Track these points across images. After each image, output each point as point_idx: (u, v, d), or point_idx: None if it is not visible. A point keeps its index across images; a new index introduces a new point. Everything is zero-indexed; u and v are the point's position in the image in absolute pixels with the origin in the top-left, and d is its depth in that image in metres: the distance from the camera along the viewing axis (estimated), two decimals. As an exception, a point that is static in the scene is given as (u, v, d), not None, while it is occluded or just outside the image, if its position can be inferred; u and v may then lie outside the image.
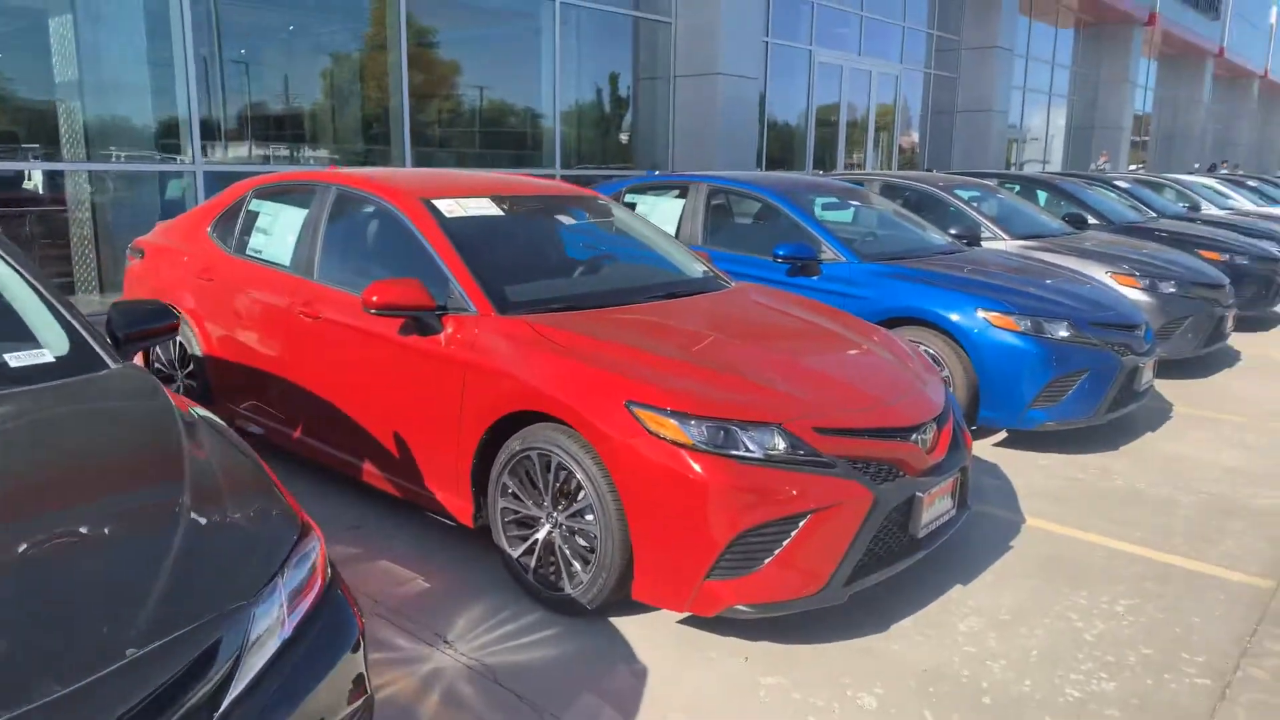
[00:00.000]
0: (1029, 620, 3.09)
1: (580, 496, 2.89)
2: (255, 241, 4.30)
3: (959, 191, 7.63)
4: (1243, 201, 13.94)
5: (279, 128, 8.79)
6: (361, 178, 4.07)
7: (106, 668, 1.36)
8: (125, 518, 1.74)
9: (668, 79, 11.61)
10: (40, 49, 7.02)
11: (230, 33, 8.06)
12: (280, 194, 4.38)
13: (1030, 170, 20.02)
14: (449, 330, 3.28)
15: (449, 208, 3.70)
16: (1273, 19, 35.72)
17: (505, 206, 4.00)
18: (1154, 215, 10.26)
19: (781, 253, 5.25)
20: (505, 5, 10.68)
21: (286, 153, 8.77)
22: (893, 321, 4.95)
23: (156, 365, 4.78)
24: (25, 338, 2.32)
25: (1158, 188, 12.68)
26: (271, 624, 1.64)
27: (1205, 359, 7.19)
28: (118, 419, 2.16)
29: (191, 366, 4.51)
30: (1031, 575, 3.44)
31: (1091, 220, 8.75)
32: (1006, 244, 6.91)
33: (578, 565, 2.93)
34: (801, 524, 2.70)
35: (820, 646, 2.88)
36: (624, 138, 12.01)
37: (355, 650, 1.80)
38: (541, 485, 3.00)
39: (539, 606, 3.05)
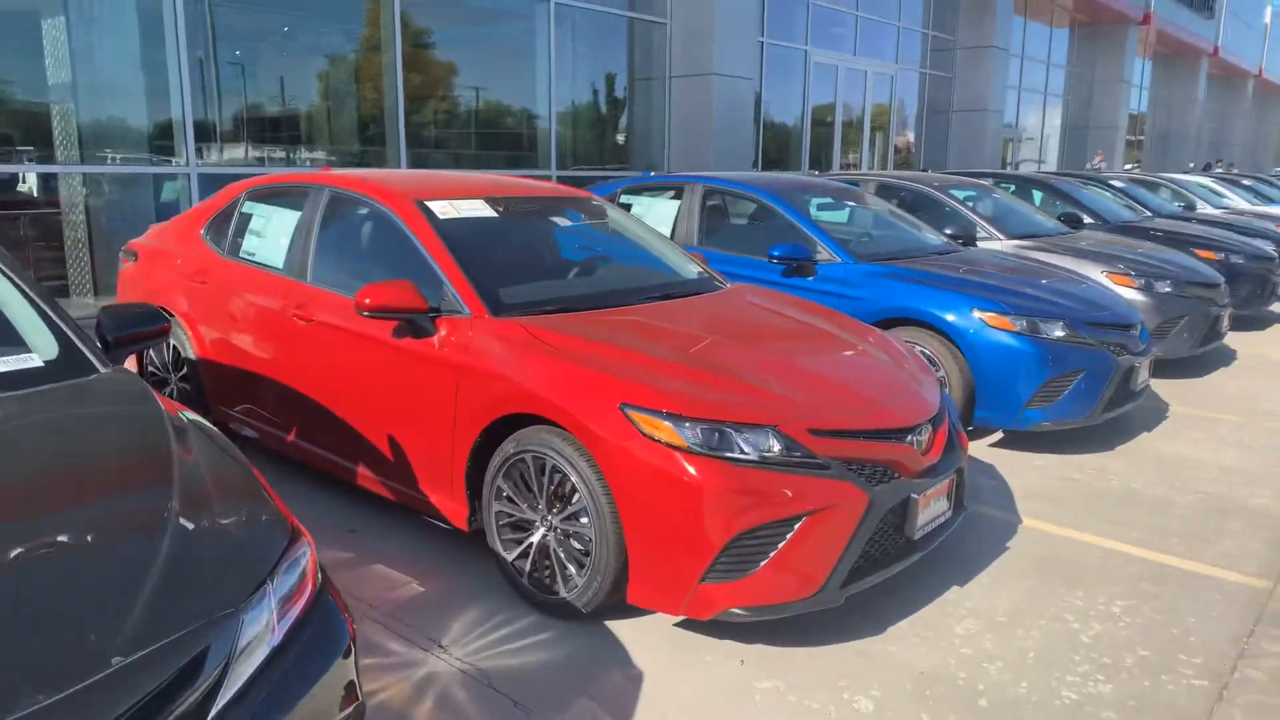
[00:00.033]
0: (1025, 622, 3.08)
1: (575, 500, 2.88)
2: (248, 244, 4.28)
3: (954, 191, 7.63)
4: (1238, 200, 13.96)
5: (274, 129, 8.77)
6: (354, 179, 4.05)
7: (92, 676, 1.35)
8: (113, 523, 1.72)
9: (663, 80, 11.61)
10: (34, 51, 6.99)
11: (224, 34, 8.04)
12: (273, 196, 4.36)
13: (1026, 170, 20.04)
14: (442, 333, 3.26)
15: (442, 209, 3.69)
16: (1267, 18, 35.83)
17: (499, 208, 3.99)
18: (1149, 214, 10.27)
19: (777, 253, 5.24)
20: (500, 6, 10.66)
21: (281, 154, 8.75)
22: (888, 322, 4.94)
23: (150, 369, 4.76)
24: (13, 342, 2.30)
25: (1153, 187, 12.70)
26: (261, 630, 1.62)
27: (1201, 358, 7.19)
28: (106, 424, 2.14)
29: (185, 370, 4.49)
30: (1028, 576, 3.43)
31: (1087, 220, 8.75)
32: (1002, 244, 6.91)
33: (572, 569, 2.92)
34: (797, 526, 2.69)
35: (816, 649, 2.87)
36: (620, 139, 12.00)
37: (346, 656, 1.78)
38: (536, 488, 2.99)
39: (534, 610, 3.03)
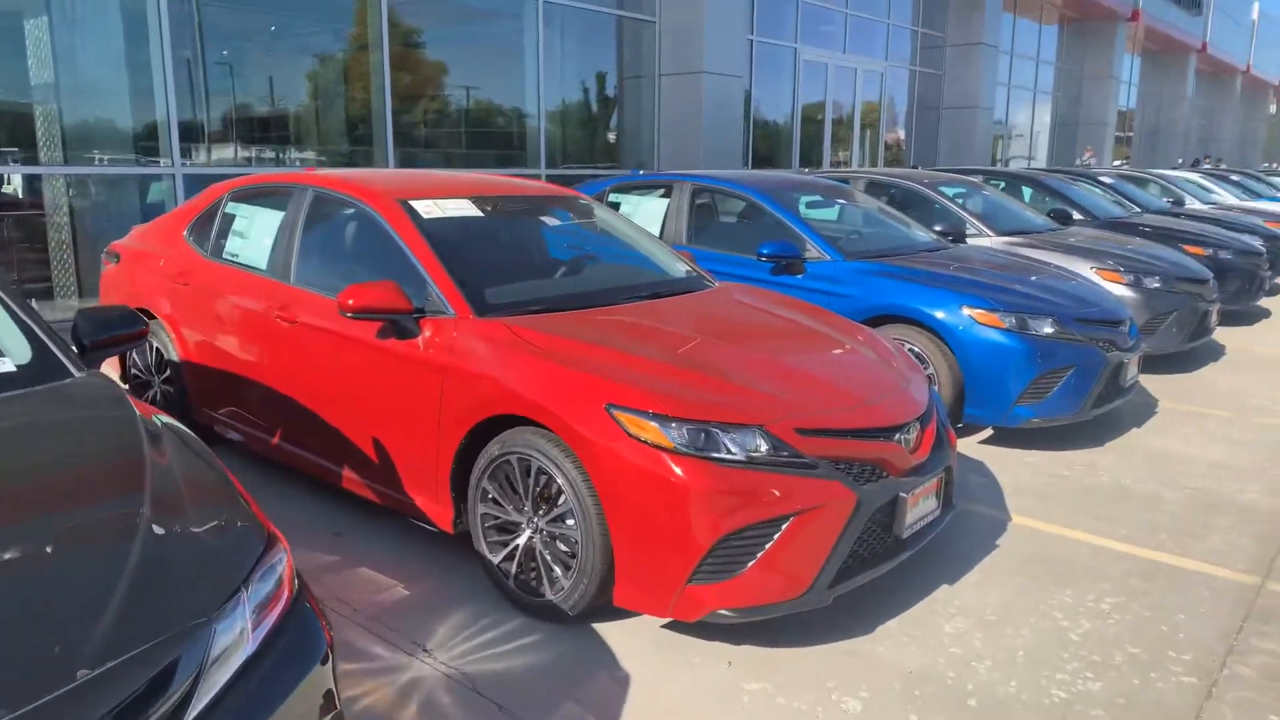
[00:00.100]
0: (1015, 620, 3.07)
1: (561, 501, 2.85)
2: (232, 245, 4.24)
3: (944, 188, 7.62)
4: (1226, 196, 14.01)
5: (260, 129, 8.71)
6: (338, 179, 4.01)
7: (56, 690, 1.31)
8: (82, 531, 1.68)
9: (652, 78, 11.58)
10: (16, 51, 6.93)
11: (210, 34, 7.98)
12: (256, 196, 4.32)
13: (1015, 166, 20.07)
14: (427, 333, 3.23)
15: (426, 209, 3.65)
16: (1254, 14, 35.96)
17: (484, 207, 3.96)
18: (1138, 210, 10.28)
19: (766, 251, 5.22)
20: (488, 5, 10.62)
21: (267, 155, 8.69)
22: (878, 319, 4.93)
23: (134, 371, 4.72)
24: (-14, 346, 2.26)
25: (1142, 183, 12.72)
26: (235, 639, 1.58)
27: (1190, 354, 7.20)
28: (79, 429, 2.11)
29: (169, 372, 4.45)
30: (1017, 574, 3.42)
31: (1076, 216, 8.75)
32: (992, 240, 6.90)
33: (559, 571, 2.89)
34: (784, 527, 2.67)
35: (804, 650, 2.85)
36: (610, 137, 11.97)
37: (324, 664, 1.75)
38: (522, 490, 2.96)
39: (520, 613, 3.00)
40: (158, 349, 4.50)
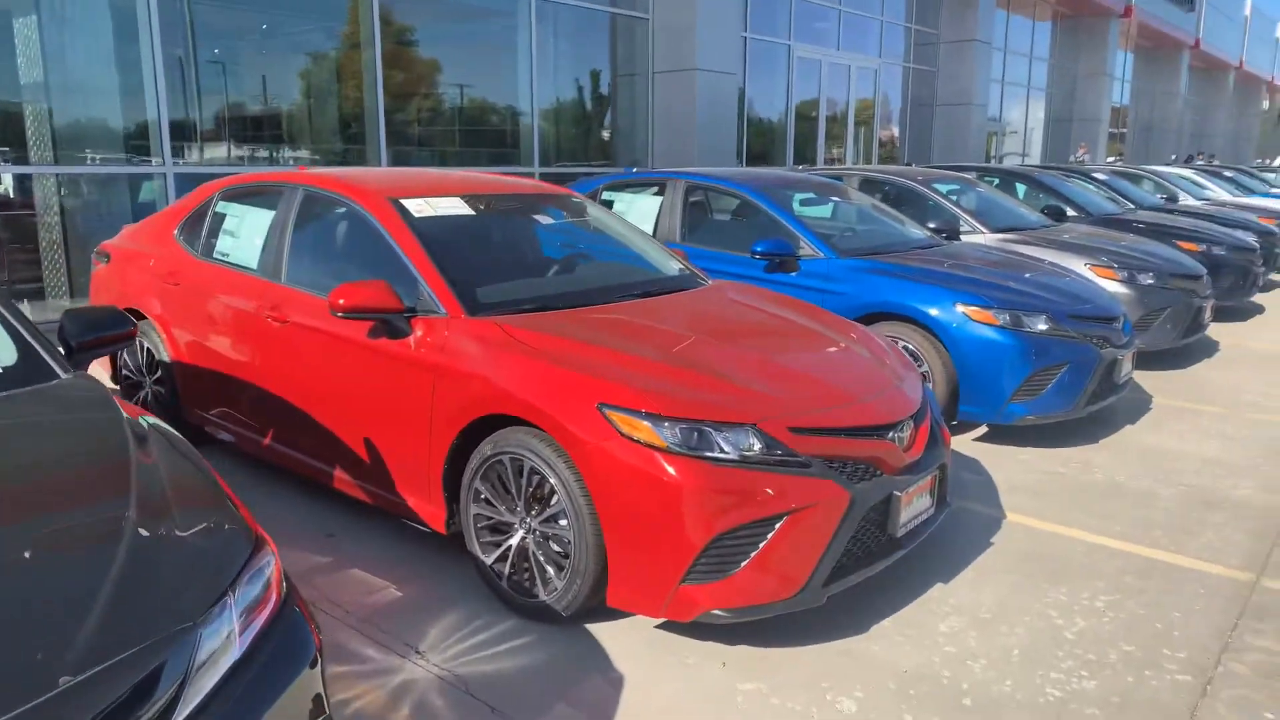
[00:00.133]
0: (1010, 618, 3.06)
1: (553, 501, 2.83)
2: (222, 244, 4.22)
3: (938, 185, 7.61)
4: (1219, 192, 14.04)
5: (252, 128, 8.67)
6: (329, 178, 3.99)
7: (39, 697, 1.29)
8: (66, 534, 1.66)
9: (646, 75, 11.55)
10: (6, 50, 6.88)
11: (201, 33, 7.94)
12: (247, 195, 4.30)
13: (1009, 163, 20.09)
14: (418, 333, 3.21)
15: (418, 207, 3.63)
16: (1247, 11, 36.06)
17: (476, 206, 3.93)
18: (1132, 207, 10.29)
19: (759, 249, 5.21)
20: (481, 2, 10.59)
21: (260, 154, 8.65)
22: (871, 317, 4.92)
23: (125, 372, 4.69)
24: (-30, 348, 2.24)
25: (1135, 179, 12.74)
26: (222, 643, 1.57)
27: (1184, 350, 7.21)
28: (64, 431, 2.08)
29: (160, 373, 4.42)
30: (1012, 572, 3.41)
31: (1070, 212, 8.75)
32: (985, 237, 6.90)
33: (552, 571, 2.88)
34: (778, 526, 2.65)
35: (798, 649, 2.84)
36: (603, 135, 11.94)
37: (313, 667, 1.73)
38: (514, 490, 2.94)
39: (513, 614, 2.99)
40: (149, 349, 4.47)
